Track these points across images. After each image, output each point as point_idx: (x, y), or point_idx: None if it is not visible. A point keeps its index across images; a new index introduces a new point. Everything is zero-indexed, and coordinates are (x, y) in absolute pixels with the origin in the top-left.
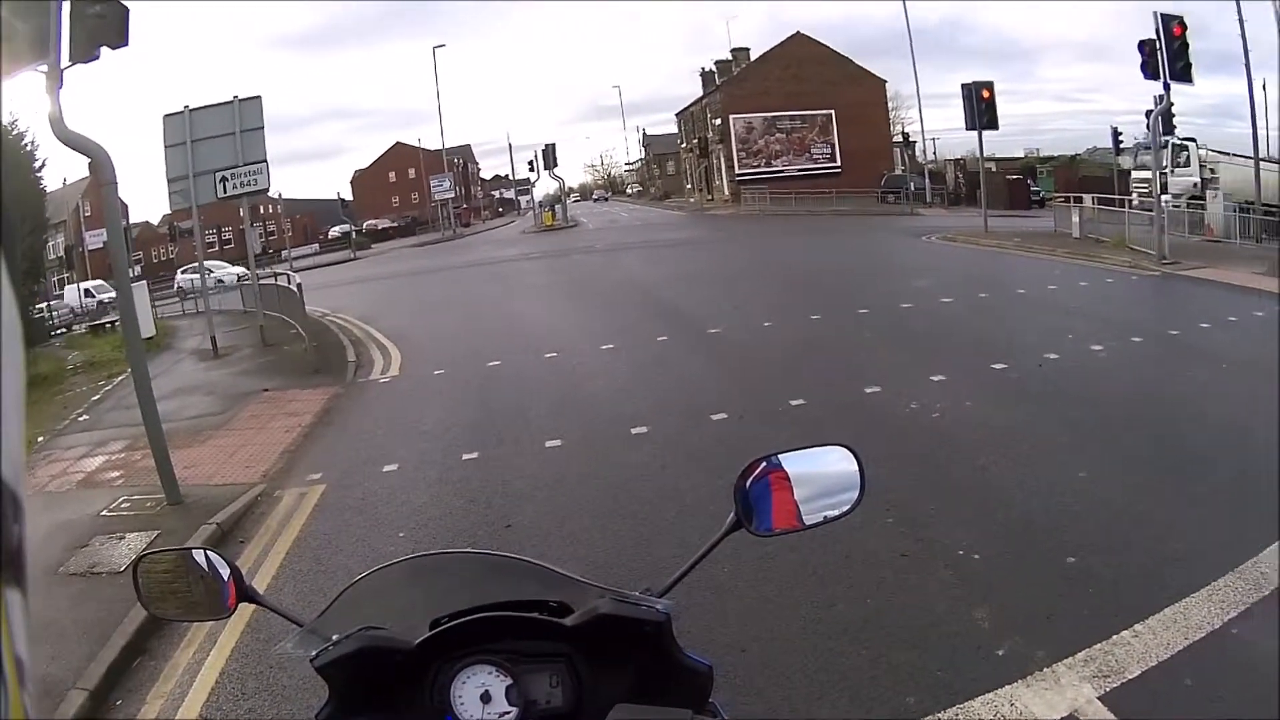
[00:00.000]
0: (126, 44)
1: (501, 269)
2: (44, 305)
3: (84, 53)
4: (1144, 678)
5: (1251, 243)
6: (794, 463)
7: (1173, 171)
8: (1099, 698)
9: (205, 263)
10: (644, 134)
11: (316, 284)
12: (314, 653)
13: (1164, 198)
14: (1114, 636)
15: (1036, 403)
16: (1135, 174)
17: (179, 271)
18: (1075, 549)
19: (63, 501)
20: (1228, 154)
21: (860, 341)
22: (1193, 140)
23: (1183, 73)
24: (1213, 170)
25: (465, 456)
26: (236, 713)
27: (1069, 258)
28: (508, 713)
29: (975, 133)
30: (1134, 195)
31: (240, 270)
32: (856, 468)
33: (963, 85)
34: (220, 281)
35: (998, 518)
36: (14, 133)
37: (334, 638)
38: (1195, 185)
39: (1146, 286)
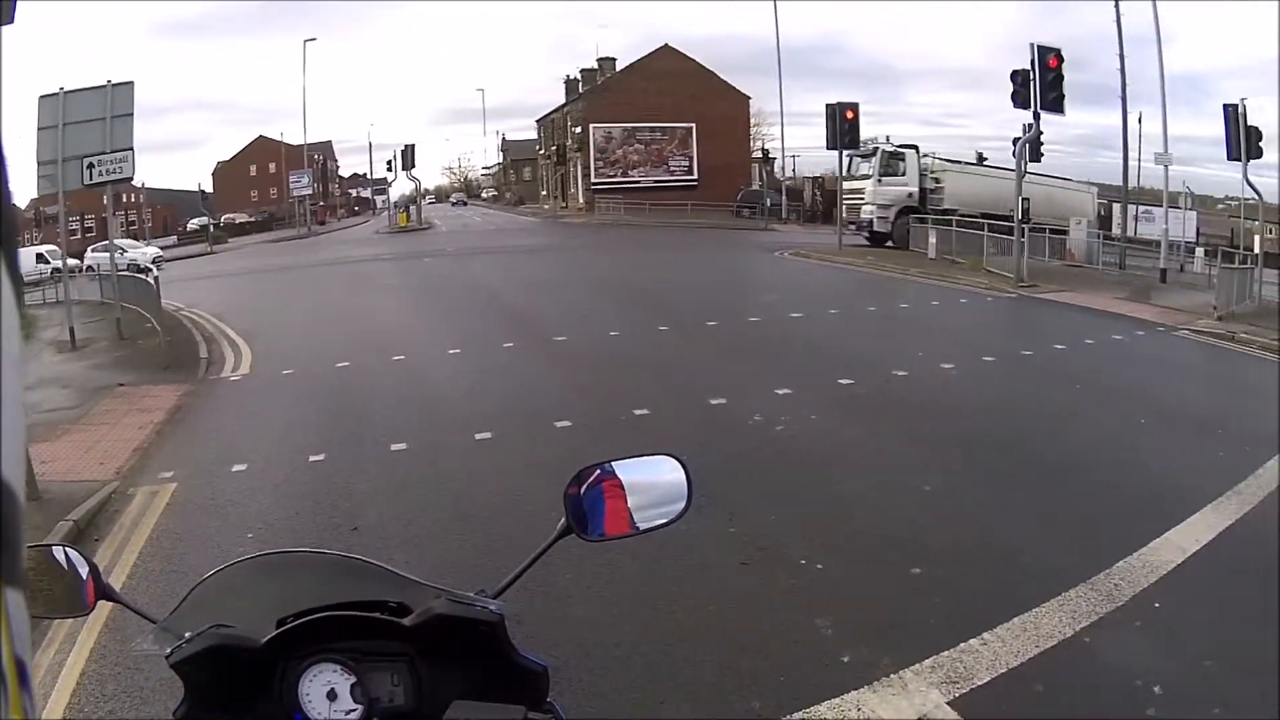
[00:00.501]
0: (11, 21)
1: (354, 269)
2: None
3: None
4: (994, 684)
5: (1114, 268)
6: (627, 471)
7: (879, 181)
8: (948, 703)
9: (117, 241)
10: (504, 139)
11: (173, 277)
12: (169, 650)
13: (867, 208)
14: (962, 644)
15: (883, 418)
16: (846, 185)
17: (89, 250)
18: (921, 560)
19: None
20: (957, 162)
21: (707, 354)
22: (914, 148)
23: (1055, 103)
24: (937, 179)
25: (312, 458)
26: (98, 713)
27: (923, 277)
28: (353, 710)
29: (836, 152)
30: (842, 209)
31: (155, 250)
32: (684, 477)
33: (827, 105)
34: (134, 263)
35: (841, 529)
36: None
37: (186, 635)
38: (910, 195)
39: (1001, 308)
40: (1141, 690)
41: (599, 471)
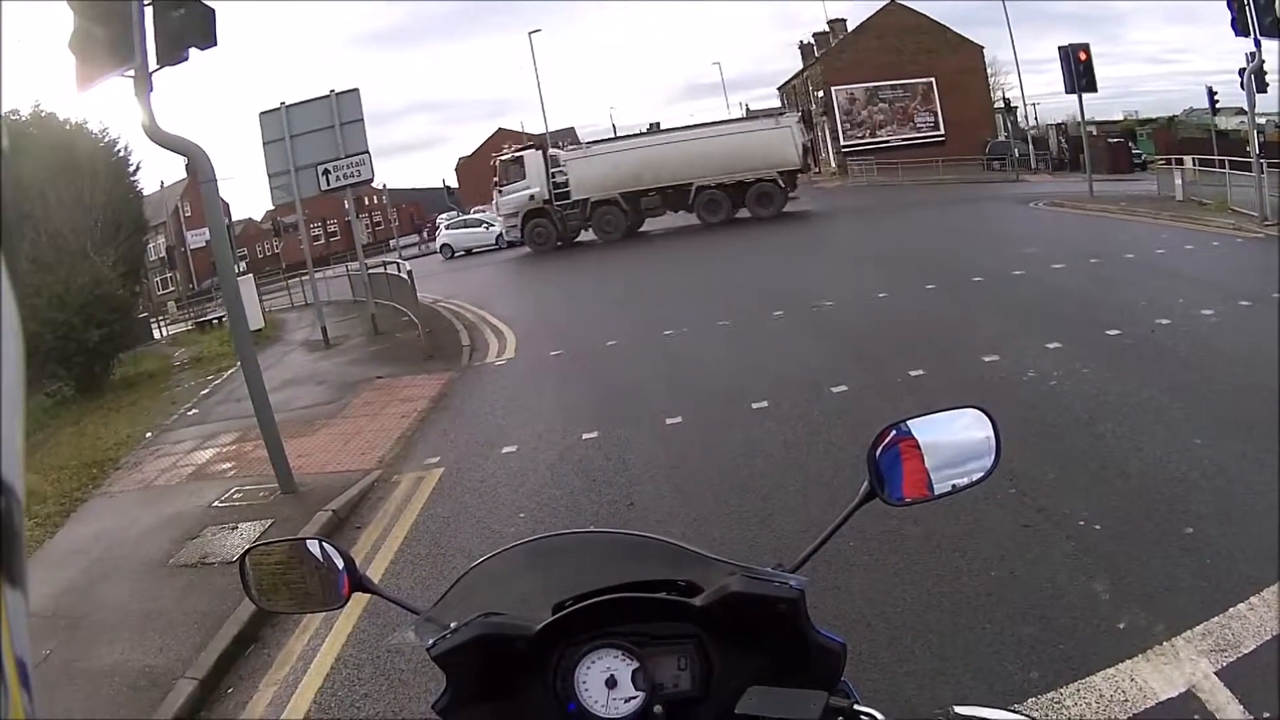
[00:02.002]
0: (215, 44)
1: (612, 249)
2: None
3: (171, 55)
4: (1258, 652)
5: None
6: (924, 429)
7: (500, 192)
8: (1215, 673)
9: (473, 214)
10: (748, 109)
11: (426, 271)
12: (431, 641)
13: (499, 223)
14: (1230, 609)
15: (1151, 368)
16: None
17: (443, 226)
18: (1192, 518)
19: (172, 495)
20: (582, 145)
21: (976, 310)
22: (536, 147)
23: (1272, 28)
24: (563, 171)
25: (585, 436)
26: (352, 698)
27: (1173, 221)
28: (634, 697)
29: (1074, 96)
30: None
31: None
32: (991, 432)
33: (1059, 48)
34: (501, 236)
35: (1116, 486)
36: (104, 140)
37: (451, 625)
38: (533, 198)
39: (1251, 249)
40: None
41: (894, 431)
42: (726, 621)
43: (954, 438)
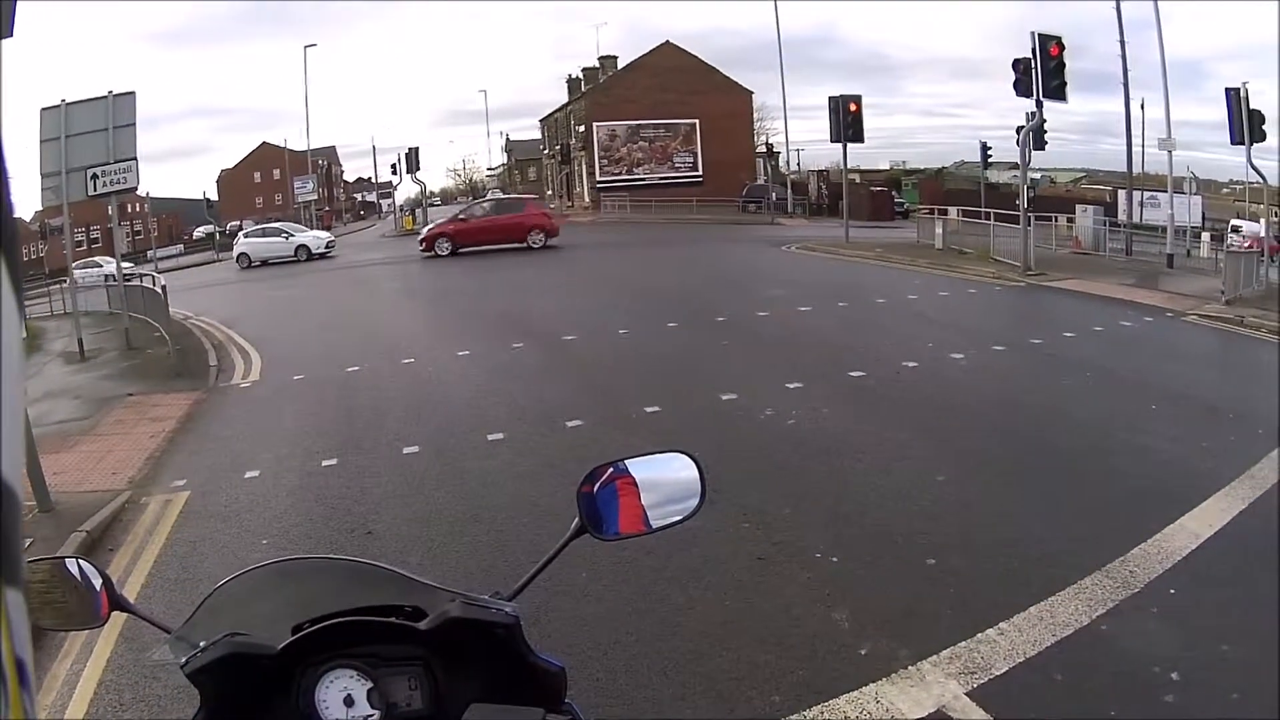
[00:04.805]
0: (11, 35)
1: (362, 273)
2: None
3: None
4: (1012, 674)
5: (1121, 255)
6: (640, 468)
7: None
8: (966, 694)
9: (284, 225)
10: (507, 139)
11: (180, 286)
12: (184, 660)
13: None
14: (979, 635)
15: (894, 410)
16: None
17: (240, 235)
18: (935, 551)
19: None
20: None
21: (716, 349)
22: None
23: (1057, 91)
24: None
25: (325, 463)
26: None
27: (930, 268)
28: (370, 715)
29: (840, 145)
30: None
31: (328, 235)
32: (697, 474)
33: (830, 98)
34: (303, 247)
35: (855, 521)
36: None
37: (201, 644)
38: None
39: (1010, 297)
40: (1159, 677)
41: (611, 470)
42: (449, 645)
43: (668, 476)
